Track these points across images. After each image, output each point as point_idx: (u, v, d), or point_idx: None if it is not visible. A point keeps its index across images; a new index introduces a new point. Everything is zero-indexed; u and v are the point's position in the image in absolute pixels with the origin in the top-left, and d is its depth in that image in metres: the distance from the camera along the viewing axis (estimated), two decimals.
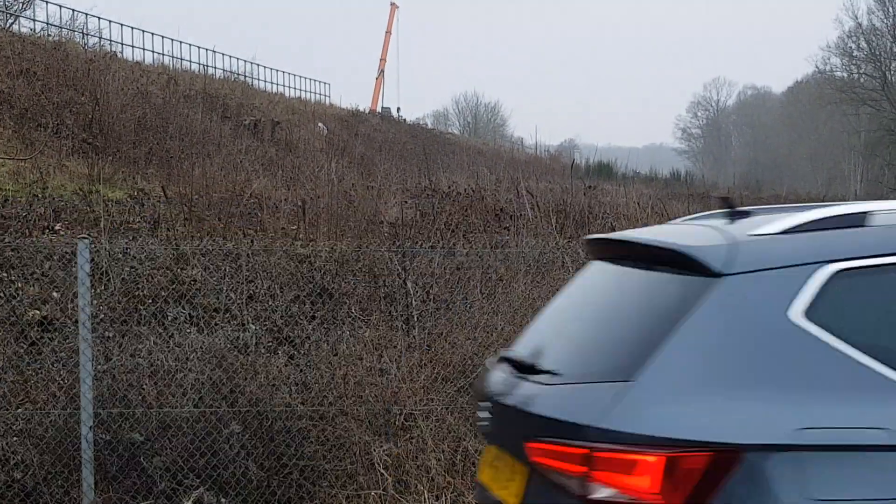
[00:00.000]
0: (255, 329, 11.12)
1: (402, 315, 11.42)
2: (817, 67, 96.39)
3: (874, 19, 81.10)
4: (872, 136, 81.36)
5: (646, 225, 21.67)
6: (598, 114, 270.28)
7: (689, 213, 20.53)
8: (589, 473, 4.08)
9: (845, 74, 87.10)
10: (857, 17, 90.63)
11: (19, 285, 12.26)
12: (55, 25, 49.55)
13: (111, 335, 10.73)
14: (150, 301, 11.65)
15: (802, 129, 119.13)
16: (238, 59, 69.32)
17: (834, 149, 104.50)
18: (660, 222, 22.01)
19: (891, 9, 79.21)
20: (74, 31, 50.73)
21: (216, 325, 11.10)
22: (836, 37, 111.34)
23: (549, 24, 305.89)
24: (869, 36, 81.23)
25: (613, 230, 19.68)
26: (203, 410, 9.93)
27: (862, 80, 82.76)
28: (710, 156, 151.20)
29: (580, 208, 21.54)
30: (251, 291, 12.07)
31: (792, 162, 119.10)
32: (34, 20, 50.10)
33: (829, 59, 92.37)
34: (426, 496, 9.33)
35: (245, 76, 65.31)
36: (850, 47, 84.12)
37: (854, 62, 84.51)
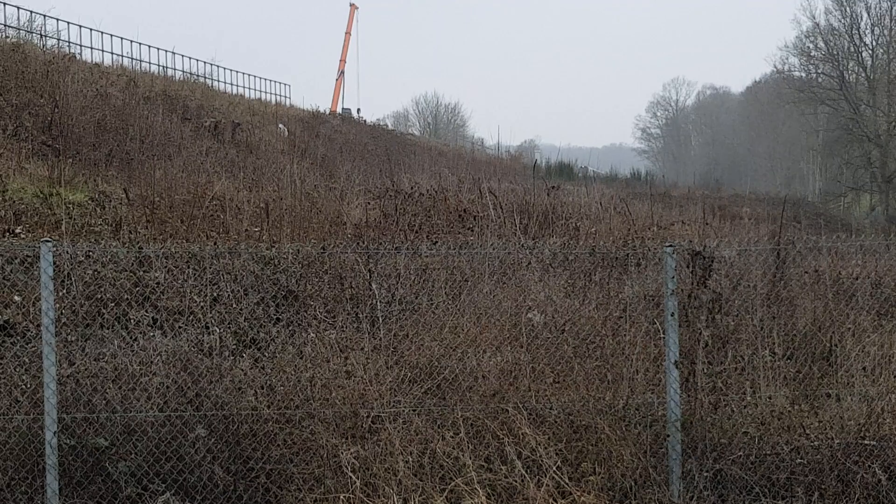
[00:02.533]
0: (220, 332, 11.04)
1: (367, 317, 11.37)
2: (775, 67, 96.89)
3: (832, 19, 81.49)
4: (830, 136, 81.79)
5: (609, 225, 21.75)
6: (558, 114, 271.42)
7: (651, 214, 20.63)
8: None
9: (803, 74, 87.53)
10: (814, 17, 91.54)
11: None
12: (13, 27, 49.06)
13: (74, 339, 10.63)
14: (114, 304, 11.56)
15: (761, 128, 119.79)
16: (198, 60, 69.03)
17: (793, 148, 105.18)
18: (623, 223, 22.11)
19: (848, 9, 79.65)
20: (33, 32, 50.27)
21: (180, 328, 11.01)
22: (794, 37, 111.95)
23: (509, 25, 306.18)
24: (826, 36, 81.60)
25: (577, 230, 19.74)
26: (168, 414, 9.85)
27: (820, 79, 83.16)
28: (669, 155, 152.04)
29: (543, 209, 21.57)
30: (215, 294, 11.99)
31: (751, 161, 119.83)
32: None
33: (787, 58, 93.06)
34: (394, 499, 9.29)
35: (205, 77, 65.09)
36: (808, 47, 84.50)
37: (812, 62, 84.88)
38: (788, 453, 9.96)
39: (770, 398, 10.51)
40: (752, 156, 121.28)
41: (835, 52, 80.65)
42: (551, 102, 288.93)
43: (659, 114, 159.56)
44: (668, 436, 9.99)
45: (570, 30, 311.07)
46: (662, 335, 10.39)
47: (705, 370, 10.46)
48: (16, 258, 12.34)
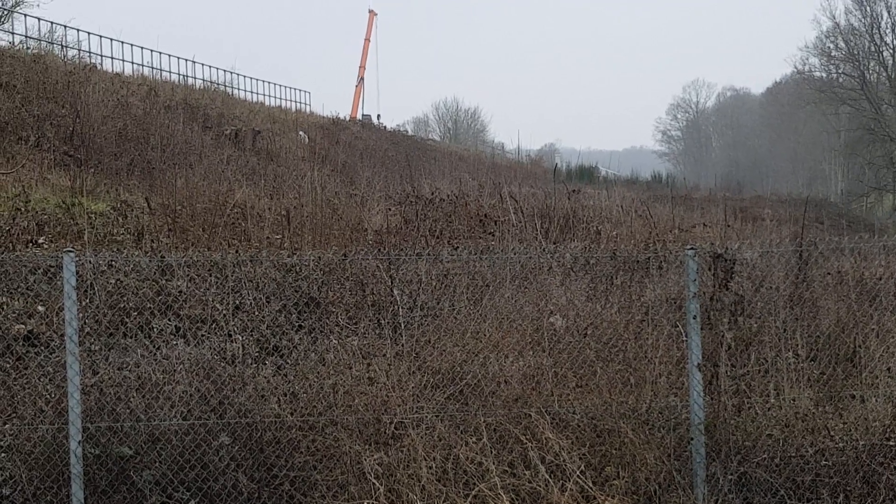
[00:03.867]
0: (243, 340, 11.07)
1: (389, 323, 11.38)
2: (796, 68, 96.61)
3: (852, 19, 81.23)
4: (852, 136, 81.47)
5: (630, 228, 21.72)
6: (577, 117, 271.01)
7: (673, 216, 20.56)
8: None
9: (824, 74, 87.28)
10: (834, 17, 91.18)
11: (4, 300, 12.20)
12: (34, 38, 49.34)
13: (97, 348, 10.67)
14: (136, 313, 11.59)
15: (782, 129, 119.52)
16: (218, 68, 69.31)
17: (814, 149, 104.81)
18: (644, 226, 22.07)
19: (868, 8, 79.39)
20: (54, 43, 50.57)
21: (203, 336, 11.04)
22: (815, 37, 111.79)
23: (527, 29, 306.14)
24: (847, 36, 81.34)
25: (599, 234, 19.72)
26: (192, 423, 9.88)
27: (841, 79, 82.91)
28: (690, 157, 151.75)
29: (564, 213, 21.54)
30: (237, 302, 12.02)
31: (772, 162, 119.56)
32: (13, 33, 49.90)
33: (807, 59, 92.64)
34: None
35: (225, 86, 65.25)
36: (829, 47, 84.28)
37: (832, 62, 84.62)
38: (813, 455, 9.93)
39: (794, 400, 10.47)
40: (774, 157, 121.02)
41: (855, 52, 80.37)
42: (571, 105, 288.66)
43: (679, 116, 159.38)
44: (692, 439, 9.97)
45: (588, 31, 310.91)
46: (685, 338, 10.37)
47: (728, 373, 10.43)
48: (39, 268, 12.40)
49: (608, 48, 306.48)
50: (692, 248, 10.30)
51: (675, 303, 11.44)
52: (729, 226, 22.24)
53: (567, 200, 23.04)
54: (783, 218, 30.98)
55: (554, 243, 17.13)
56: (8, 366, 10.43)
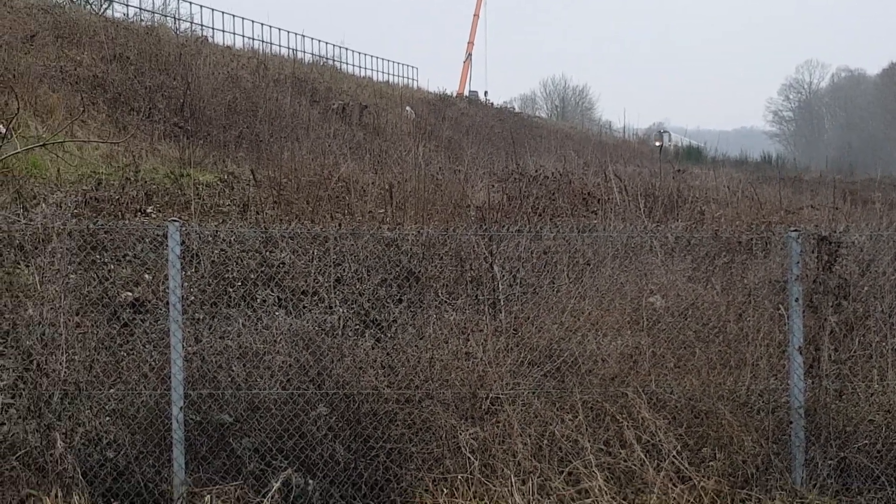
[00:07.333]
0: (343, 312, 11.16)
1: (488, 299, 11.38)
2: None
3: None
4: None
5: (736, 209, 21.45)
6: (687, 97, 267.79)
7: (780, 198, 20.12)
8: None
9: None
10: None
11: (112, 267, 12.43)
12: (148, 10, 50.25)
13: (201, 317, 10.83)
14: (240, 284, 11.75)
15: None
16: (327, 43, 70.01)
17: None
18: (750, 207, 21.78)
19: None
20: (166, 16, 51.39)
21: (304, 307, 11.15)
22: None
23: (638, 5, 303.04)
24: None
25: (703, 214, 19.50)
26: (291, 392, 10.00)
27: None
28: (802, 139, 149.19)
29: (669, 192, 21.34)
30: (339, 274, 12.12)
31: (887, 145, 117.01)
32: (127, 5, 50.86)
33: None
34: (513, 480, 9.32)
35: (333, 60, 65.63)
36: None
37: None
38: None
39: None
40: (889, 140, 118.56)
41: None
42: (681, 84, 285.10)
43: (791, 96, 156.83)
44: (792, 422, 9.85)
45: (701, 9, 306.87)
46: (786, 321, 10.24)
47: (831, 357, 10.27)
48: (146, 237, 12.62)
49: (720, 26, 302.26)
50: (795, 230, 10.15)
51: (777, 285, 11.29)
52: (836, 208, 21.84)
53: (672, 180, 22.83)
54: (895, 202, 30.34)
55: (657, 223, 16.96)
56: (114, 332, 10.62)
